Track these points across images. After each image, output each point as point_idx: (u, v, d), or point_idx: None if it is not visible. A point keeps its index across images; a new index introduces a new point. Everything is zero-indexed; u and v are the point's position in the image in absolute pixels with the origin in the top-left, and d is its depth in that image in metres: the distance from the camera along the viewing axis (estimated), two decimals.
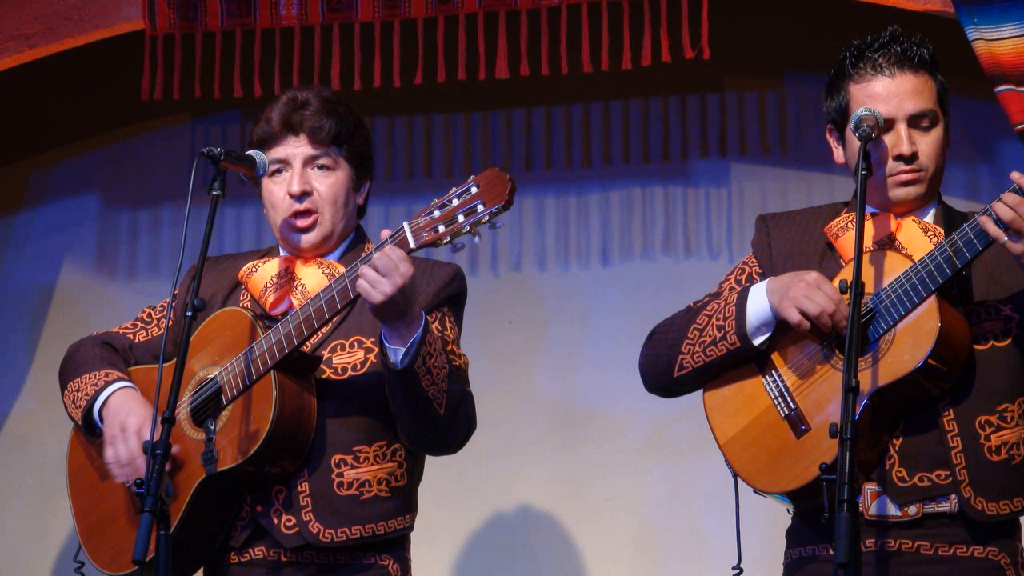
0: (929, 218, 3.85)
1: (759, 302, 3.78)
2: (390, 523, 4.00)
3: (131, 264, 6.14)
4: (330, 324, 4.01)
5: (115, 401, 4.08)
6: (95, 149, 6.18)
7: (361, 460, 3.98)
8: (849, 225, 3.81)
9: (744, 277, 3.95)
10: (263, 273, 4.12)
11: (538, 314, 5.97)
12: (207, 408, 4.00)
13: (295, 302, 4.05)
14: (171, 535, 3.66)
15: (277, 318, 4.02)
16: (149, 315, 4.29)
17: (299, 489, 3.96)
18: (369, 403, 3.98)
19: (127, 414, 4.03)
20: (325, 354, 4.02)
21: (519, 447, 5.88)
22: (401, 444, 4.01)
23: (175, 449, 3.94)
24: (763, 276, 3.90)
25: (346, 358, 4.02)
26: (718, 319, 3.83)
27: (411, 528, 4.08)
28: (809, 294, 3.68)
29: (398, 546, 4.05)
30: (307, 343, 3.96)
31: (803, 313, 3.69)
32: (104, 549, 4.13)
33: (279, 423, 3.88)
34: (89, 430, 4.11)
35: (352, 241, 4.17)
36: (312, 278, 4.06)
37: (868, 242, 3.79)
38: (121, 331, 4.28)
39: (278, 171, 4.10)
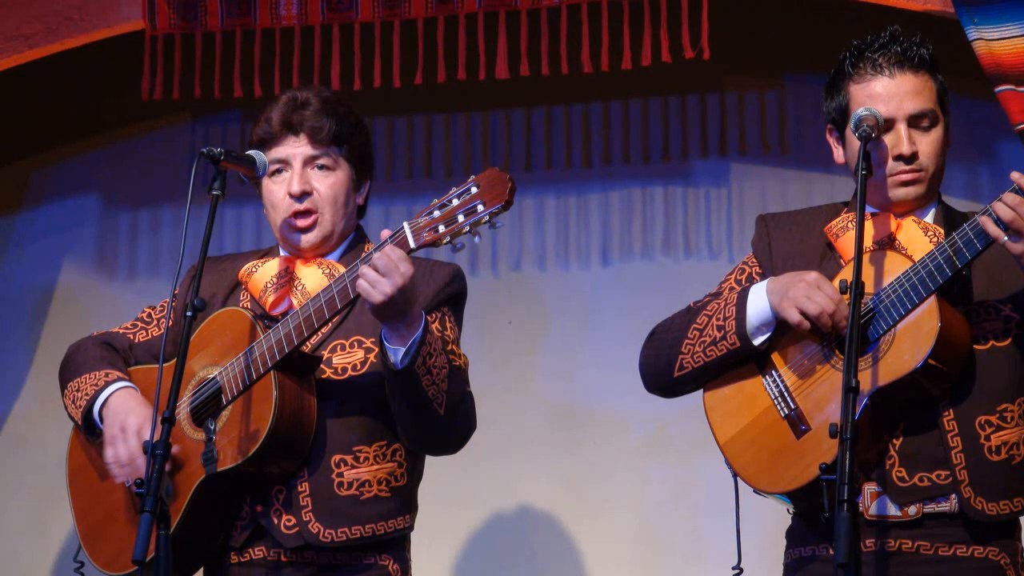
0: (929, 218, 3.85)
1: (759, 302, 3.79)
2: (390, 523, 4.00)
3: (131, 264, 6.14)
4: (330, 324, 4.01)
5: (115, 401, 4.08)
6: (95, 149, 6.19)
7: (361, 460, 3.98)
8: (849, 225, 3.82)
9: (744, 277, 3.95)
10: (263, 273, 4.12)
11: (538, 314, 5.97)
12: (207, 408, 4.00)
13: (295, 302, 4.05)
14: (171, 535, 3.66)
15: (277, 318, 4.02)
16: (149, 315, 4.29)
17: (299, 489, 3.95)
18: (369, 403, 3.98)
19: (127, 414, 4.03)
20: (325, 354, 4.02)
21: (519, 447, 5.88)
22: (401, 444, 4.01)
23: (175, 449, 3.94)
24: (763, 276, 3.90)
25: (346, 358, 4.02)
26: (718, 319, 3.83)
27: (411, 528, 4.08)
28: (809, 294, 3.68)
29: (398, 546, 4.05)
30: (307, 343, 3.96)
31: (803, 313, 3.69)
32: (104, 549, 4.13)
33: (279, 423, 3.88)
34: (89, 430, 4.11)
35: (352, 241, 4.17)
36: (312, 278, 4.06)
37: (868, 242, 3.79)
38: (121, 331, 4.28)
39: (278, 171, 4.10)
